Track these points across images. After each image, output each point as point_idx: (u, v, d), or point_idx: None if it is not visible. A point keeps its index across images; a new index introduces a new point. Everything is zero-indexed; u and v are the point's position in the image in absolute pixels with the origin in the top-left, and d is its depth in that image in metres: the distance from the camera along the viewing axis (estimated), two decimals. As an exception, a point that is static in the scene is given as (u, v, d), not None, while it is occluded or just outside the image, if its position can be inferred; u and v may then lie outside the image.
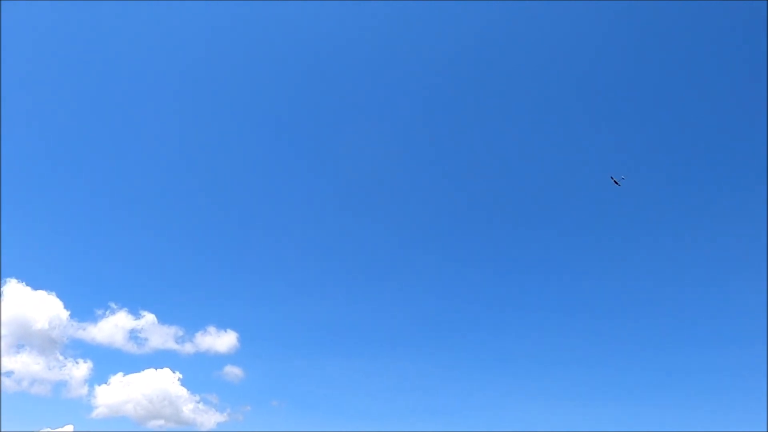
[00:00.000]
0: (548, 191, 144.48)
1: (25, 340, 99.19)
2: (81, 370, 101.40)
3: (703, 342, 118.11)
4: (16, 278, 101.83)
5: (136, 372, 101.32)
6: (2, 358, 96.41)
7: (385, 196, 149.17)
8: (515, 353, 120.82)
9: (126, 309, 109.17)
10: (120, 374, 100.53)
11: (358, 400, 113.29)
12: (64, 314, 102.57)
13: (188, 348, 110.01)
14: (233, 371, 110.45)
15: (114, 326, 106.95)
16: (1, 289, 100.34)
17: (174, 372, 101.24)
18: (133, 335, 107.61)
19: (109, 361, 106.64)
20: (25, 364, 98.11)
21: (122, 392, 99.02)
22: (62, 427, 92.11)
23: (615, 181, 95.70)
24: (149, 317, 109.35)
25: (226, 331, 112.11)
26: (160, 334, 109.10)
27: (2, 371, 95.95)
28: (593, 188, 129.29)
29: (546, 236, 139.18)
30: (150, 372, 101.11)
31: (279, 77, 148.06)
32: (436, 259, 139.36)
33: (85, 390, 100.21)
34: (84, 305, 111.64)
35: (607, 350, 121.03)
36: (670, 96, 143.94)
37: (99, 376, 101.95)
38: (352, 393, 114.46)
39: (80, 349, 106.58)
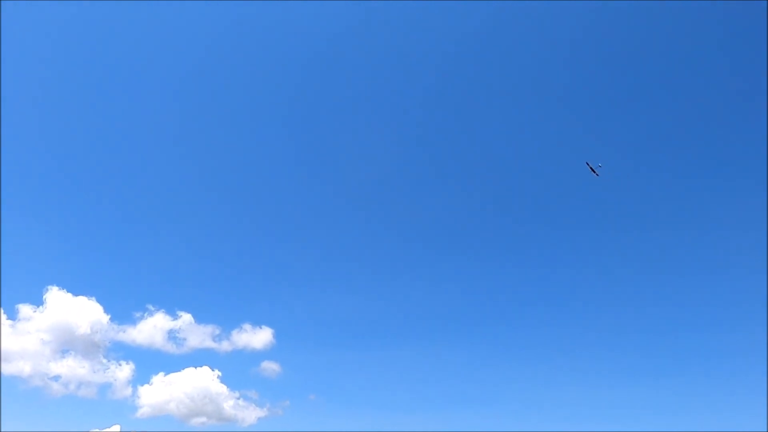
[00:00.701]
0: (559, 187, 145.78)
1: (70, 345, 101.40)
2: (124, 371, 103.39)
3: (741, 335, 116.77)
4: (57, 285, 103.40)
5: (176, 371, 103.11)
6: (49, 364, 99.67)
7: (413, 198, 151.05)
8: (556, 344, 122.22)
9: (163, 310, 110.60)
10: (161, 374, 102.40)
11: (394, 391, 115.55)
12: (105, 318, 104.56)
13: (225, 346, 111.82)
14: (270, 367, 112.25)
15: (153, 327, 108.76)
16: (44, 296, 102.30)
17: (213, 370, 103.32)
18: (172, 335, 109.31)
19: (150, 362, 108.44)
20: (70, 368, 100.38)
21: (164, 391, 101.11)
22: (110, 427, 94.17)
23: (591, 169, 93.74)
24: (186, 317, 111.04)
25: (261, 327, 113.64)
26: (197, 334, 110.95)
27: (50, 376, 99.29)
28: (600, 186, 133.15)
29: (565, 232, 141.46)
30: (190, 371, 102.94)
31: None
32: (463, 254, 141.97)
33: (129, 391, 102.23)
34: (122, 308, 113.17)
35: (617, 343, 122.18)
36: (668, 93, 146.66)
37: (141, 377, 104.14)
38: (388, 384, 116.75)
39: (122, 351, 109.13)
